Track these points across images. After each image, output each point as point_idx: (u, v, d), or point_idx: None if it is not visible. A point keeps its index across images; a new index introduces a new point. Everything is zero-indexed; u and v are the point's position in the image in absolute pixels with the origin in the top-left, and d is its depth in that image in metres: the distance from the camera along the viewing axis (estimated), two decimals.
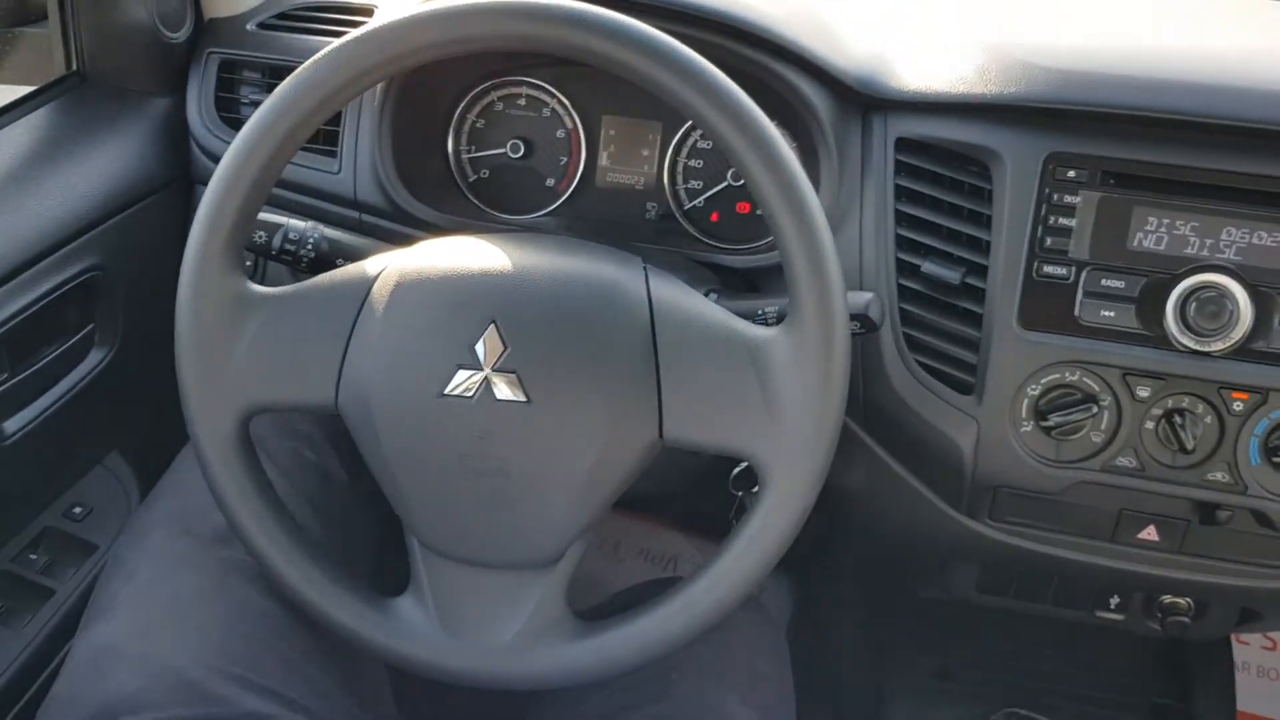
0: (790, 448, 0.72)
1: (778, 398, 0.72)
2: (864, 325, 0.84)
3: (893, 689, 1.19)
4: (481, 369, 0.72)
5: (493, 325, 0.73)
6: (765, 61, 0.95)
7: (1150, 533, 0.94)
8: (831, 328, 0.71)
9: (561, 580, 0.76)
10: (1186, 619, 1.03)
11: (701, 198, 1.08)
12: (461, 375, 0.73)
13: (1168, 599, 1.03)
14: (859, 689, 1.26)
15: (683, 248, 1.04)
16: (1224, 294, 0.85)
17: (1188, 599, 1.02)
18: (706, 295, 0.91)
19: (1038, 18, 1.03)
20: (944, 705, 1.16)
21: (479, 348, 0.73)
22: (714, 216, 1.08)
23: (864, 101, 0.96)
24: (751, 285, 1.02)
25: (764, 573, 0.74)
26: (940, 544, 1.03)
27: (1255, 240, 0.86)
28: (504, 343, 0.73)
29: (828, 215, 0.95)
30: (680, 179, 1.08)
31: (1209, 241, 0.87)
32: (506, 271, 0.75)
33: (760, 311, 0.85)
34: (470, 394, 0.72)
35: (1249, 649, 1.74)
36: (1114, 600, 1.05)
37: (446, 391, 0.73)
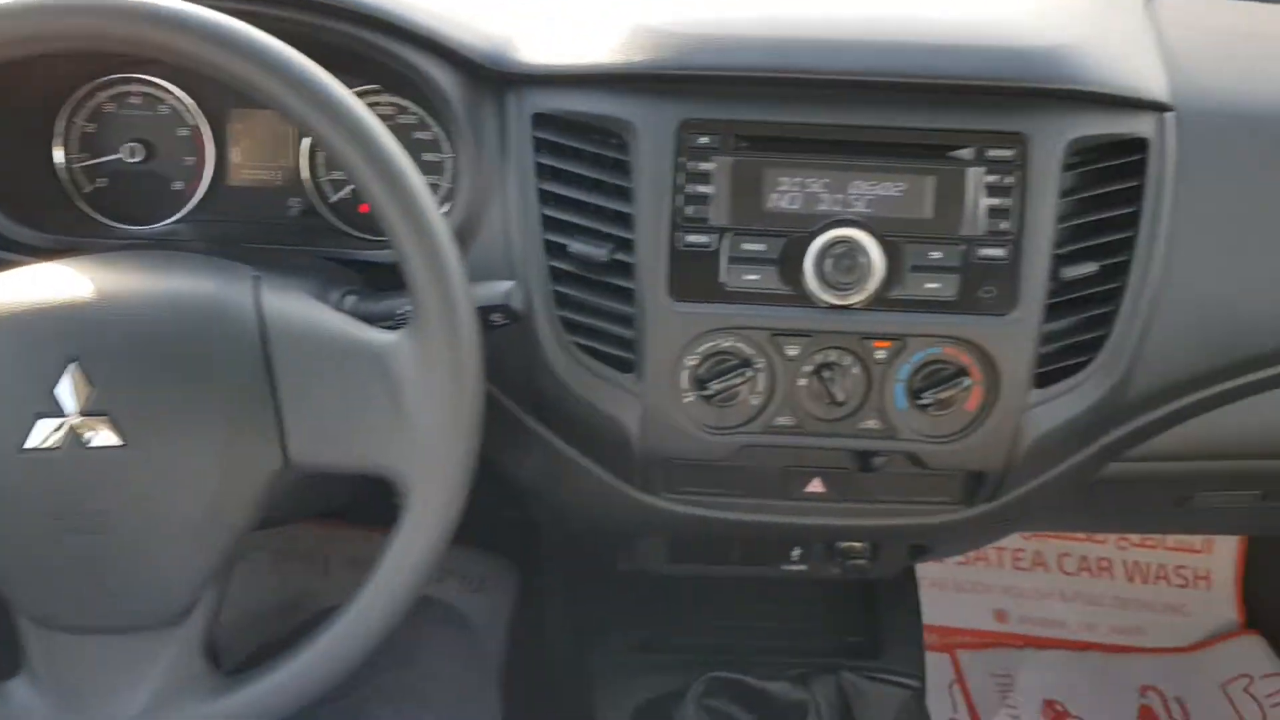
0: (426, 458, 0.67)
1: (408, 407, 0.67)
2: (507, 316, 0.80)
3: (600, 667, 1.18)
4: (65, 416, 0.64)
5: (74, 365, 0.64)
6: (384, 44, 0.89)
7: (816, 485, 0.96)
8: (456, 328, 0.67)
9: (196, 635, 0.69)
10: (864, 560, 1.07)
11: (347, 189, 1.01)
12: (43, 426, 0.64)
13: (845, 544, 1.06)
14: (569, 673, 1.24)
15: (330, 245, 0.97)
16: (856, 247, 0.87)
17: (863, 542, 1.06)
18: (344, 298, 0.84)
19: None
20: (648, 677, 1.16)
21: (60, 392, 0.64)
22: (363, 208, 1.01)
23: (497, 79, 0.92)
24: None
25: (414, 593, 0.69)
26: (625, 521, 1.02)
27: (881, 192, 0.88)
28: (90, 382, 0.64)
29: (468, 200, 0.91)
30: (322, 171, 1.01)
31: (839, 196, 0.88)
32: (87, 302, 0.66)
33: (400, 311, 0.80)
34: (56, 446, 0.64)
35: (939, 565, 1.86)
36: (796, 552, 1.08)
37: (27, 446, 0.64)
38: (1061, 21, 0.93)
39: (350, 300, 0.84)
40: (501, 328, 0.81)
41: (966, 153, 0.88)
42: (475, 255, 0.91)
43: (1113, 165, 0.90)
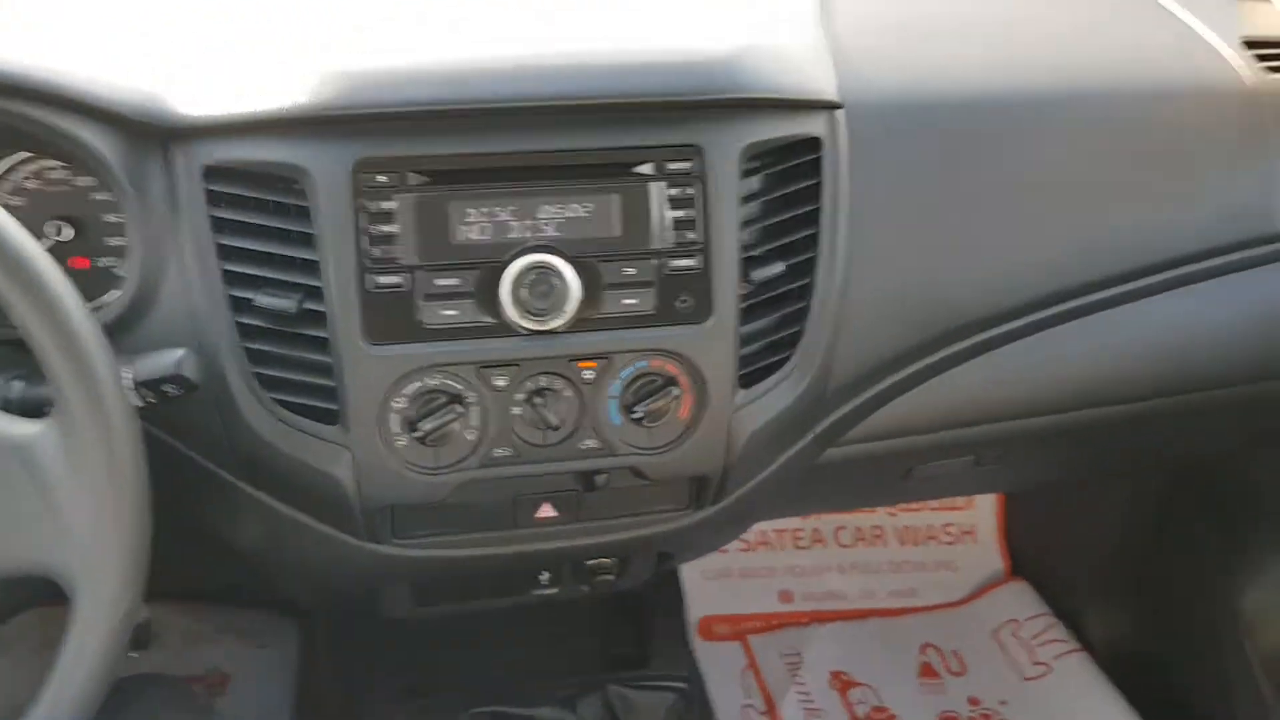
0: (87, 556, 0.63)
1: (59, 502, 0.63)
2: (181, 385, 0.76)
3: (367, 717, 1.15)
4: None
5: None
6: (21, 109, 0.83)
7: (547, 510, 0.95)
8: (103, 414, 0.63)
9: None
10: (612, 575, 1.08)
11: None
12: None
13: (591, 561, 1.07)
14: None
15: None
16: (550, 272, 0.87)
17: (607, 557, 1.06)
18: (10, 383, 0.78)
19: (350, 21, 0.99)
20: None
21: None
22: None
23: (158, 134, 0.87)
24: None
25: (96, 698, 0.65)
26: (359, 574, 0.99)
27: (570, 214, 0.88)
28: None
29: (143, 263, 0.86)
30: None
31: (529, 223, 0.88)
32: None
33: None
34: None
35: (724, 555, 1.90)
36: (544, 576, 1.07)
37: None
38: (730, 31, 0.95)
39: (18, 385, 0.78)
40: (175, 399, 0.77)
41: (647, 168, 0.89)
42: (158, 319, 0.87)
43: (790, 166, 0.94)
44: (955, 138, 1.01)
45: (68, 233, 0.90)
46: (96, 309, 0.86)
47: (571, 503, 0.95)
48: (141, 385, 0.76)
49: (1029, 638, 1.79)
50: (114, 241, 0.91)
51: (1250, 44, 1.13)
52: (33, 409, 0.75)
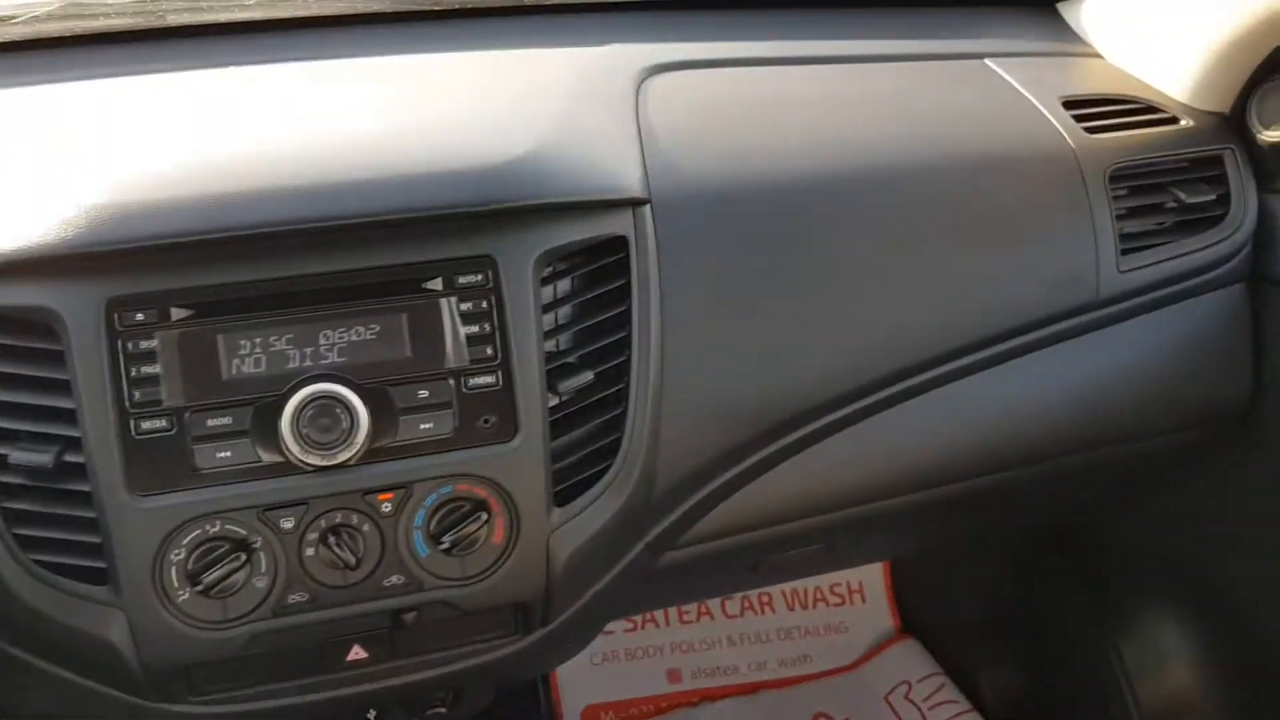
0: None
1: None
2: None
3: None
4: None
5: None
6: None
7: (358, 652, 0.89)
8: None
9: None
10: (444, 709, 1.01)
11: None
12: None
13: (420, 696, 1.00)
14: None
15: None
16: (334, 401, 0.81)
17: (437, 691, 1.00)
18: None
19: (98, 147, 0.91)
20: None
21: None
22: None
23: None
24: None
25: None
26: None
27: (354, 337, 0.82)
28: None
29: None
30: None
31: (309, 350, 0.82)
32: None
33: None
34: None
35: (609, 637, 1.84)
36: (371, 714, 1.00)
37: None
38: (524, 129, 0.91)
39: None
40: None
41: (436, 283, 0.84)
42: None
43: (598, 267, 0.89)
44: (771, 225, 0.97)
45: None
46: None
47: (383, 642, 0.88)
48: None
49: (921, 700, 1.75)
50: None
51: (1068, 104, 1.12)
52: None
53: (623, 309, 0.89)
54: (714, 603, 1.89)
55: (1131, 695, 1.45)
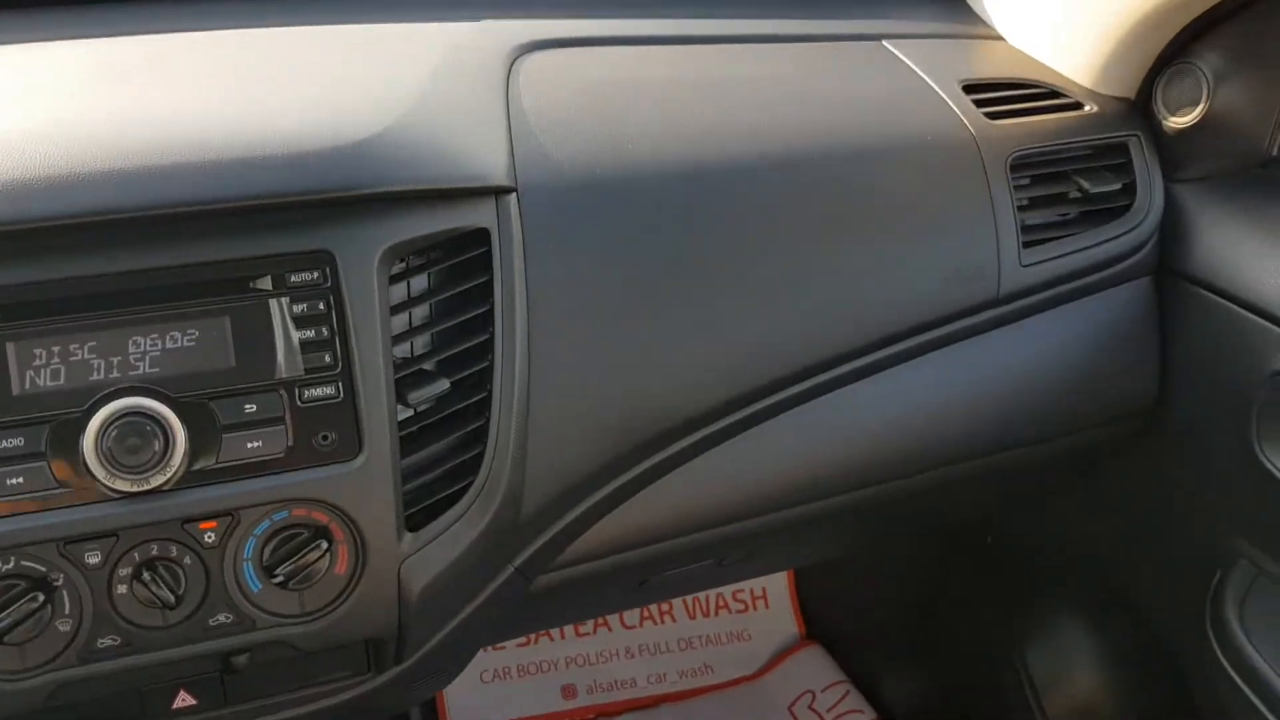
0: None
1: None
2: None
3: None
4: None
5: None
6: None
7: (185, 699, 0.78)
8: None
9: None
10: None
11: None
12: None
13: None
14: None
15: None
16: (145, 418, 0.70)
17: None
18: None
19: None
20: None
21: None
22: None
23: None
24: None
25: None
26: None
27: (169, 344, 0.72)
28: None
29: None
30: None
31: (117, 360, 0.71)
32: None
33: None
34: None
35: (500, 651, 1.75)
36: None
37: None
38: (376, 109, 0.81)
39: None
40: None
41: (264, 282, 0.74)
42: None
43: (456, 263, 0.80)
44: (651, 218, 0.88)
45: None
46: None
47: (214, 687, 0.78)
48: None
49: (825, 710, 1.69)
50: None
51: (969, 88, 1.06)
52: None
53: (484, 309, 0.80)
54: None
55: (1036, 702, 1.41)
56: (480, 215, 0.80)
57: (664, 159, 0.91)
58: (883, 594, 1.75)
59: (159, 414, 0.71)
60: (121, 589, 0.72)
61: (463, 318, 0.80)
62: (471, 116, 0.86)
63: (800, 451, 0.96)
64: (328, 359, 0.75)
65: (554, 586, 0.92)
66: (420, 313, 0.79)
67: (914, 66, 1.07)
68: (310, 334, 0.74)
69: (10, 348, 0.69)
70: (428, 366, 0.79)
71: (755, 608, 1.88)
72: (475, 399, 0.80)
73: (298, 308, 0.74)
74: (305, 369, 0.74)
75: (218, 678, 0.78)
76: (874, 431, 0.99)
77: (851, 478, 0.99)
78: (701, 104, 0.96)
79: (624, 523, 0.91)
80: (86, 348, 0.71)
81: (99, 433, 0.70)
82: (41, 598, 0.70)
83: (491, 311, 0.80)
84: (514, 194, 0.83)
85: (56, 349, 0.70)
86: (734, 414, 0.91)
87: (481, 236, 0.80)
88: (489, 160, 0.83)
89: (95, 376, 0.71)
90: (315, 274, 0.74)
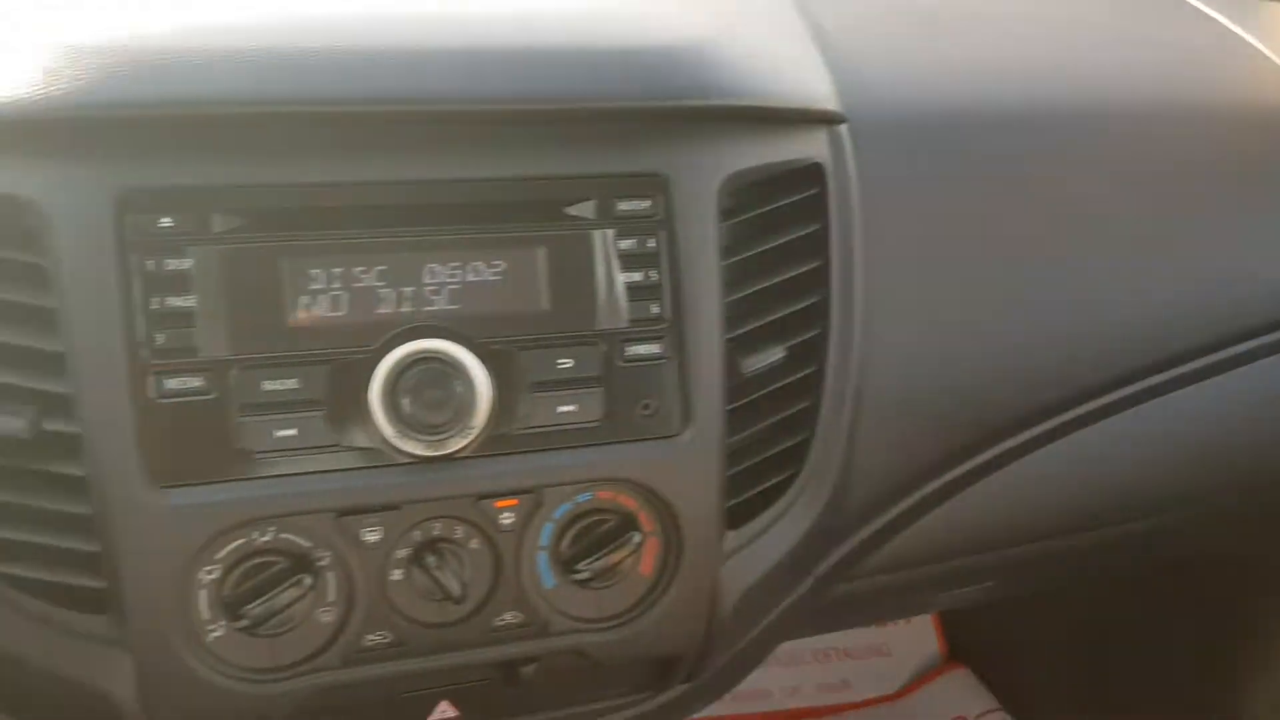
0: None
1: None
2: None
3: None
4: None
5: None
6: None
7: (445, 710, 0.64)
8: None
9: None
10: None
11: None
12: None
13: None
14: None
15: None
16: (446, 366, 0.56)
17: None
18: None
19: None
20: None
21: None
22: None
23: None
24: None
25: None
26: None
27: (472, 277, 0.58)
28: None
29: None
30: None
31: (409, 290, 0.57)
32: None
33: None
34: None
35: None
36: None
37: None
38: (692, 20, 0.66)
39: None
40: None
41: (586, 209, 0.59)
42: None
43: (782, 206, 0.65)
44: (985, 164, 0.74)
45: None
46: None
47: (480, 698, 0.64)
48: None
49: None
50: None
51: None
52: None
53: (816, 264, 0.66)
54: None
55: None
56: (813, 148, 0.66)
57: (993, 96, 0.76)
58: (1041, 619, 1.60)
59: (462, 363, 0.56)
60: (396, 575, 0.59)
61: (790, 273, 0.65)
62: (784, 36, 0.72)
63: (1121, 464, 0.80)
64: (654, 309, 0.60)
65: (837, 601, 0.78)
66: (734, 269, 0.64)
67: (1229, 24, 0.93)
68: (637, 276, 0.60)
69: (285, 264, 0.55)
70: (742, 332, 0.64)
71: (894, 623, 1.74)
72: (803, 373, 0.65)
73: (624, 243, 0.60)
74: (630, 319, 0.60)
75: (485, 689, 0.64)
76: (1193, 444, 0.84)
77: (1175, 493, 0.84)
78: (1015, 41, 0.82)
79: (924, 533, 0.76)
80: (375, 272, 0.57)
81: (390, 380, 0.56)
82: (307, 581, 0.56)
83: (825, 269, 0.66)
84: (845, 125, 0.68)
85: (339, 271, 0.56)
86: (1059, 416, 0.76)
87: (814, 175, 0.66)
88: (815, 84, 0.69)
89: (383, 310, 0.57)
90: (646, 203, 0.60)
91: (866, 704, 1.65)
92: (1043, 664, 1.58)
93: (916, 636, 1.74)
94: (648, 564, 0.62)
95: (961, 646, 1.72)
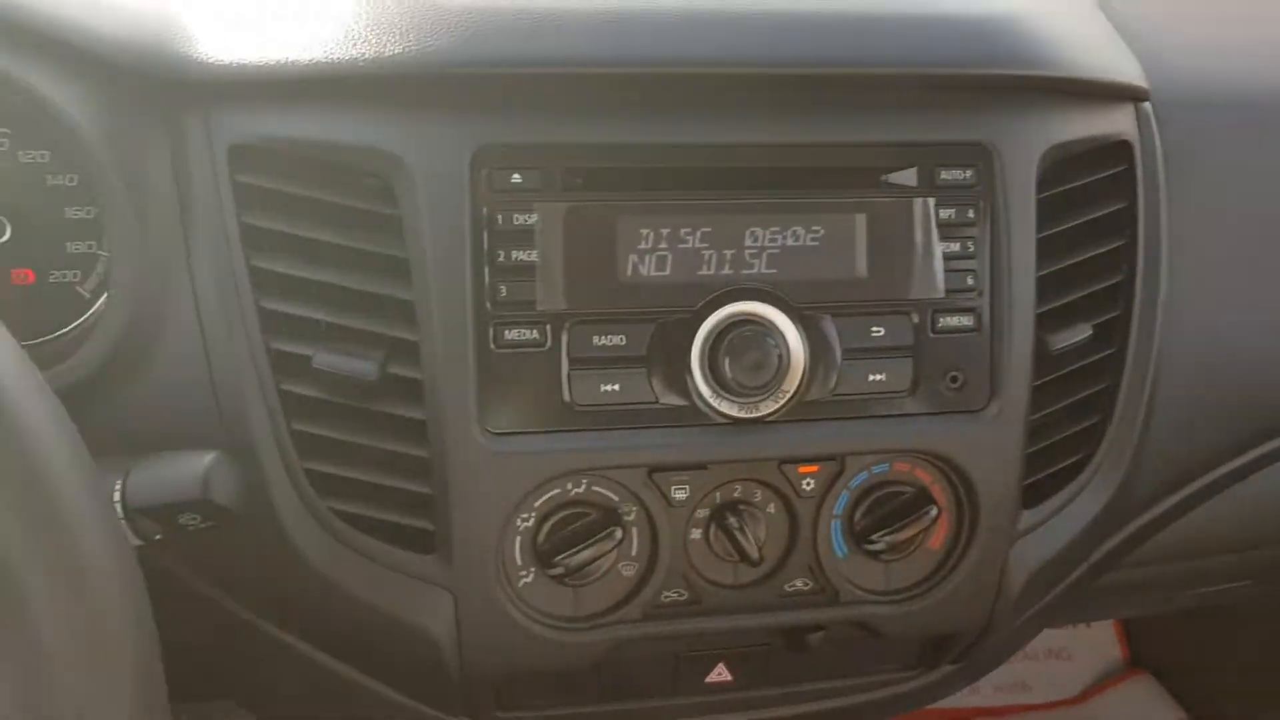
0: None
1: None
2: (208, 515, 0.46)
3: None
4: None
5: None
6: None
7: (721, 673, 0.65)
8: (80, 585, 0.33)
9: None
10: None
11: None
12: None
13: None
14: None
15: None
16: (765, 330, 0.56)
17: None
18: None
19: None
20: None
21: None
22: None
23: (161, 93, 0.56)
24: None
25: None
26: None
27: (791, 242, 0.58)
28: None
29: (135, 290, 0.55)
30: None
31: (731, 254, 0.58)
32: None
33: None
34: None
35: None
36: None
37: None
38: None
39: None
40: (197, 531, 0.47)
41: (908, 176, 0.59)
42: (153, 383, 0.56)
43: (1089, 183, 0.64)
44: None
45: (2, 232, 0.58)
46: (57, 367, 0.55)
47: (756, 663, 0.65)
48: (142, 513, 0.46)
49: None
50: (80, 246, 0.58)
51: None
52: None
53: (1121, 242, 0.64)
54: None
55: None
56: (1121, 124, 0.64)
57: None
58: (1235, 627, 1.53)
59: (779, 327, 0.57)
60: (696, 534, 0.59)
61: (1096, 250, 0.64)
62: (1083, 14, 0.70)
63: None
64: (970, 280, 0.60)
65: (1098, 591, 0.76)
66: (1052, 240, 0.63)
67: None
68: (955, 246, 0.60)
69: (620, 223, 0.56)
70: (1045, 311, 0.63)
71: (1074, 625, 1.70)
72: (1104, 353, 0.64)
73: (945, 212, 0.59)
74: (945, 290, 0.59)
75: (763, 654, 0.64)
76: None
77: None
78: None
79: (1198, 522, 0.74)
80: (699, 234, 0.57)
81: (710, 342, 0.56)
82: (618, 535, 0.57)
83: (1131, 247, 0.64)
84: (1148, 103, 0.66)
85: (666, 232, 0.57)
86: None
87: (1122, 151, 0.64)
88: (1122, 61, 0.67)
89: (705, 271, 0.57)
90: (968, 172, 0.59)
91: (1047, 707, 1.61)
92: (1235, 675, 1.52)
93: (1097, 641, 1.69)
94: (937, 539, 0.62)
95: (1145, 654, 1.67)
